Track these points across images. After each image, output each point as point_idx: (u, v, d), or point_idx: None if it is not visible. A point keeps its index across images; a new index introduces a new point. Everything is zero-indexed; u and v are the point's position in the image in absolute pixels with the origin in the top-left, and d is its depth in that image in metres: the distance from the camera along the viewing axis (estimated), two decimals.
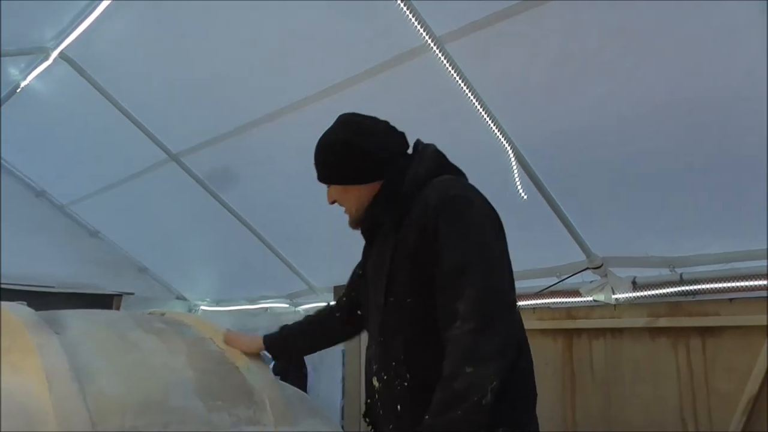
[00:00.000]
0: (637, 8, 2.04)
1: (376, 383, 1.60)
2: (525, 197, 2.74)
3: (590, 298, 2.94)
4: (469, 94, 2.54)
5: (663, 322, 2.74)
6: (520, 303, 3.25)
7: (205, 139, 3.80)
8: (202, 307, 5.65)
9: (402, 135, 1.71)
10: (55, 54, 3.56)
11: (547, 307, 3.18)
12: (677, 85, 2.20)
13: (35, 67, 3.78)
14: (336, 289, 4.36)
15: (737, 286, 2.48)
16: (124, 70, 3.62)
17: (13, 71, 3.93)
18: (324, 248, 4.20)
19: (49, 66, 3.69)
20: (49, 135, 4.59)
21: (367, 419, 1.67)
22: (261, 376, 2.17)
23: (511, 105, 2.60)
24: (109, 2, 2.95)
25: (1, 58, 3.67)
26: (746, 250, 2.46)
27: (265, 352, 2.22)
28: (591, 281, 2.96)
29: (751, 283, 2.44)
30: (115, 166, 4.54)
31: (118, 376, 1.91)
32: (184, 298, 5.86)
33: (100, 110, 3.87)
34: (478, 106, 2.56)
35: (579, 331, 3.08)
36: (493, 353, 1.36)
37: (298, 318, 4.85)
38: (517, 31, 2.28)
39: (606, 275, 2.89)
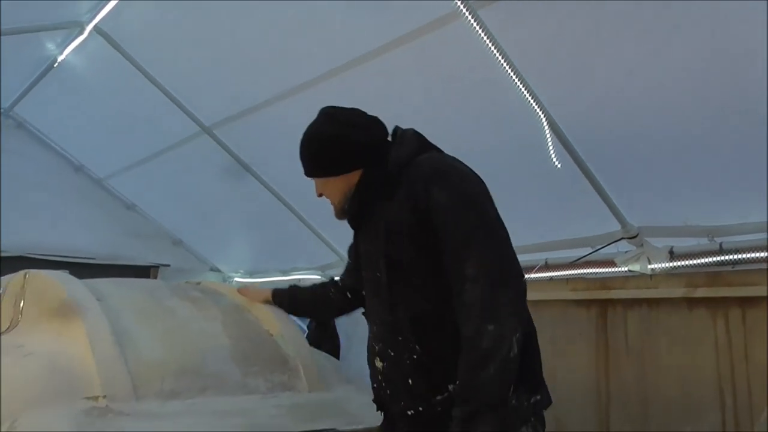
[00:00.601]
0: None
1: (379, 364, 1.61)
2: (559, 166, 2.70)
3: (625, 269, 2.90)
4: (503, 62, 2.49)
5: (701, 293, 2.68)
6: (553, 273, 3.26)
7: (237, 111, 3.82)
8: (236, 279, 5.75)
9: (382, 124, 1.73)
10: (89, 28, 3.60)
11: (580, 278, 3.14)
12: (716, 48, 2.13)
13: (71, 42, 3.83)
14: None
15: None
16: (157, 44, 3.65)
17: (50, 46, 4.00)
18: None
19: (84, 40, 3.74)
20: (86, 109, 4.67)
21: (375, 402, 1.68)
22: (295, 344, 2.21)
23: (544, 72, 2.54)
24: None
25: (38, 33, 3.72)
26: None
27: (300, 324, 2.28)
28: (626, 251, 2.91)
29: None
30: (150, 139, 4.61)
31: (157, 342, 1.97)
32: (218, 270, 5.96)
33: (134, 84, 3.92)
34: (512, 74, 2.51)
35: (614, 302, 3.04)
36: (510, 307, 1.40)
37: None
38: None
39: (642, 245, 2.84)
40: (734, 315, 2.60)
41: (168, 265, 5.78)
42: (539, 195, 3.05)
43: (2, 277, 2.64)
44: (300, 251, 4.86)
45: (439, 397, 1.48)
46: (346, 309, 2.13)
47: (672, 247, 2.75)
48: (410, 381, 1.52)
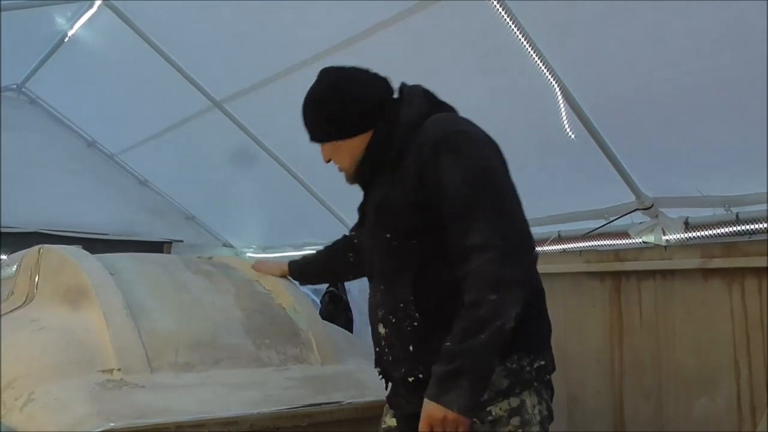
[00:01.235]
0: None
1: (382, 330, 1.57)
2: (573, 136, 2.66)
3: (639, 240, 2.87)
4: (515, 29, 2.45)
5: (717, 263, 2.65)
6: (566, 246, 3.24)
7: (248, 85, 3.79)
8: (249, 254, 5.78)
9: (386, 80, 1.65)
10: (98, 1, 3.57)
11: (594, 250, 3.11)
12: (734, 15, 2.07)
13: (80, 16, 3.81)
14: None
15: None
16: (167, 17, 3.62)
17: (59, 20, 3.98)
18: None
19: (94, 14, 3.72)
20: (98, 84, 4.67)
21: (377, 368, 1.66)
22: (307, 317, 2.22)
23: (557, 40, 2.49)
24: None
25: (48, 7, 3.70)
26: None
27: (314, 298, 2.27)
28: (640, 222, 2.88)
29: None
30: (161, 114, 4.60)
31: (170, 315, 1.98)
32: (230, 246, 6.00)
33: (144, 58, 3.90)
34: (524, 42, 2.46)
35: (627, 274, 3.02)
36: (516, 280, 1.37)
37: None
38: None
39: (656, 216, 2.80)
40: (750, 285, 2.57)
41: (181, 241, 5.82)
42: (552, 166, 3.01)
43: (17, 253, 2.66)
44: (312, 226, 4.87)
45: None
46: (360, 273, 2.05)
47: (687, 218, 2.72)
48: (411, 348, 1.50)
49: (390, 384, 1.66)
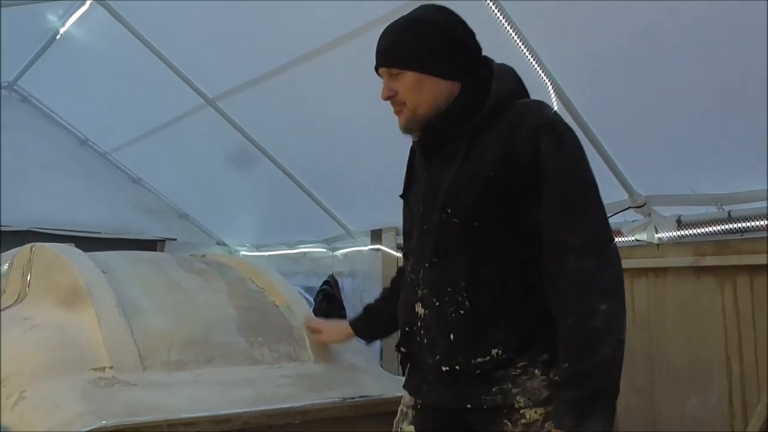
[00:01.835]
0: None
1: (420, 310, 1.44)
2: None
3: (632, 238, 2.88)
4: (509, 29, 2.45)
5: (709, 261, 2.66)
6: None
7: (240, 83, 3.78)
8: (242, 253, 5.77)
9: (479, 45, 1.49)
10: None
11: None
12: (727, 14, 2.07)
13: (72, 13, 3.80)
14: (373, 233, 4.39)
15: None
16: (159, 15, 3.60)
17: (51, 17, 3.96)
18: (361, 192, 4.20)
19: (86, 11, 3.70)
20: (90, 82, 4.65)
21: (403, 349, 1.52)
22: (300, 315, 2.22)
23: (550, 36, 2.49)
24: None
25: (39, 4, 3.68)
26: None
27: (307, 297, 2.18)
28: (633, 220, 2.89)
29: None
30: (154, 112, 4.59)
31: (163, 313, 1.98)
32: (224, 244, 5.99)
33: (137, 56, 3.88)
34: (518, 41, 2.47)
35: None
36: (619, 287, 1.28)
37: (337, 262, 4.86)
38: None
39: (649, 214, 2.81)
40: (742, 283, 2.58)
41: (174, 239, 5.80)
42: None
43: (9, 251, 2.65)
44: (306, 224, 4.86)
45: (480, 359, 1.34)
46: None
47: (680, 216, 2.73)
48: (452, 336, 1.38)
49: (408, 368, 1.53)
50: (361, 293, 4.57)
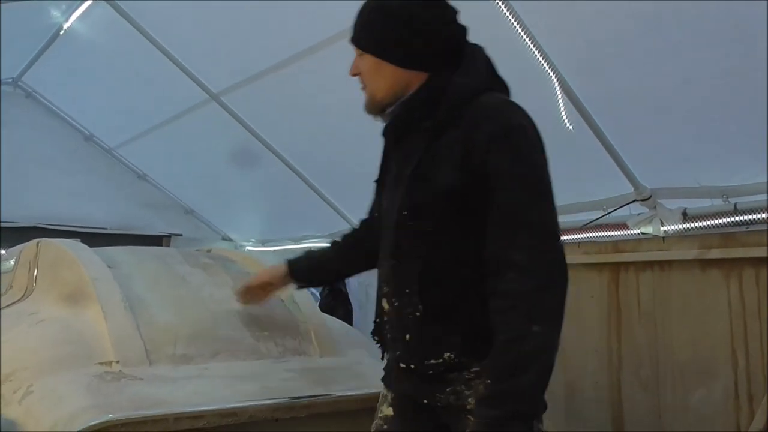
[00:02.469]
0: None
1: (386, 305, 1.47)
2: (571, 128, 2.65)
3: (638, 231, 2.87)
4: (513, 21, 2.44)
5: (715, 254, 2.65)
6: (564, 237, 3.24)
7: (244, 78, 3.78)
8: (248, 248, 5.78)
9: (465, 30, 1.44)
10: None
11: (592, 241, 3.12)
12: (733, 6, 2.06)
13: (76, 8, 3.80)
14: None
15: None
16: (162, 10, 3.60)
17: (55, 13, 3.96)
18: (366, 187, 4.18)
19: (89, 6, 3.70)
20: (94, 78, 4.65)
21: (376, 337, 1.56)
22: (306, 309, 2.22)
23: (554, 27, 2.48)
24: None
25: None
26: None
27: (313, 291, 2.17)
28: (639, 213, 2.88)
29: None
30: (158, 107, 4.59)
31: (168, 308, 1.98)
32: (229, 239, 6.00)
33: (140, 51, 3.88)
34: (520, 30, 2.45)
35: (626, 265, 3.02)
36: (558, 310, 1.27)
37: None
38: None
39: (655, 207, 2.80)
40: (748, 276, 2.57)
41: (180, 235, 5.82)
42: (550, 158, 3.00)
43: (16, 247, 2.66)
44: (311, 219, 4.86)
45: (432, 361, 1.37)
46: None
47: (685, 209, 2.72)
48: (407, 336, 1.41)
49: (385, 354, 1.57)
50: (366, 288, 4.58)
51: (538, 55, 2.51)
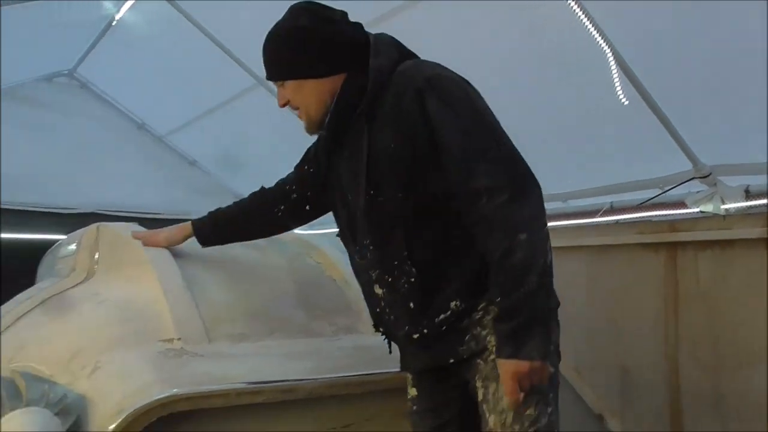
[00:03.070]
0: None
1: (379, 290, 1.52)
2: (625, 102, 2.58)
3: (697, 210, 2.78)
4: None
5: None
6: (619, 217, 3.17)
7: None
8: (296, 231, 5.83)
9: (360, 25, 1.54)
10: None
11: (648, 221, 3.03)
12: None
13: (126, 0, 3.88)
14: None
15: None
16: None
17: (107, 5, 4.06)
18: None
19: None
20: (146, 67, 4.76)
21: (380, 330, 1.63)
22: (357, 289, 2.22)
23: (610, 5, 2.41)
24: None
25: None
26: None
27: None
28: (697, 191, 2.79)
29: None
30: (207, 94, 4.67)
31: (224, 287, 2.02)
32: None
33: (189, 38, 3.96)
34: (573, 4, 2.39)
35: (684, 244, 2.92)
36: (537, 214, 1.35)
37: None
38: None
39: (715, 184, 2.71)
40: None
41: None
42: (604, 134, 2.94)
43: (76, 232, 2.75)
44: None
45: (442, 316, 1.44)
46: (296, 222, 1.95)
47: (748, 186, 2.62)
48: (411, 305, 1.46)
49: (392, 345, 1.64)
50: None
51: (591, 28, 2.45)
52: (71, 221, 4.58)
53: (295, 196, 1.86)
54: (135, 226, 2.47)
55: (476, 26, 2.81)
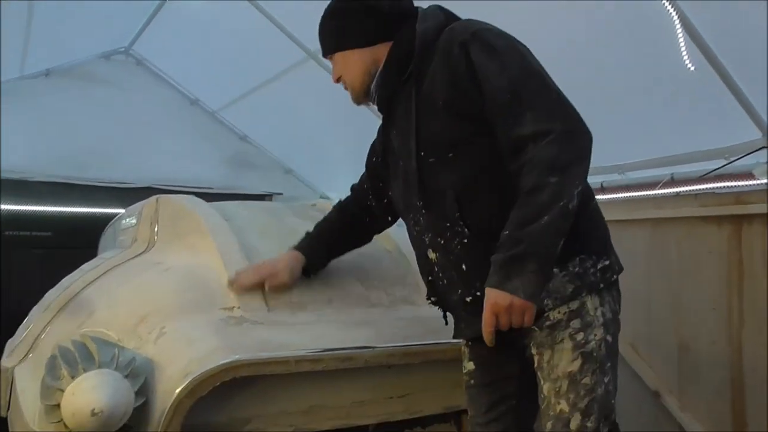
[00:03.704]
0: None
1: (432, 255, 1.52)
2: (692, 68, 2.47)
3: (765, 181, 2.66)
4: None
5: None
6: (680, 189, 3.06)
7: None
8: None
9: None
10: None
11: (711, 193, 2.92)
12: None
13: None
14: None
15: None
16: None
17: None
18: None
19: None
20: (198, 43, 4.81)
21: (432, 298, 1.62)
22: (413, 260, 2.21)
23: None
24: None
25: None
26: None
27: None
28: (766, 162, 2.66)
29: None
30: (258, 69, 4.69)
31: None
32: (327, 197, 6.11)
33: (239, 13, 3.97)
34: None
35: (750, 217, 2.80)
36: (576, 159, 1.32)
37: None
38: None
39: None
40: None
41: (280, 194, 6.00)
42: (666, 101, 2.82)
43: (135, 204, 2.83)
44: None
45: None
46: (385, 225, 1.95)
47: None
48: (464, 266, 1.45)
49: (447, 315, 1.64)
50: None
51: None
52: (128, 195, 4.71)
53: (373, 203, 1.88)
54: (194, 198, 2.52)
55: None
